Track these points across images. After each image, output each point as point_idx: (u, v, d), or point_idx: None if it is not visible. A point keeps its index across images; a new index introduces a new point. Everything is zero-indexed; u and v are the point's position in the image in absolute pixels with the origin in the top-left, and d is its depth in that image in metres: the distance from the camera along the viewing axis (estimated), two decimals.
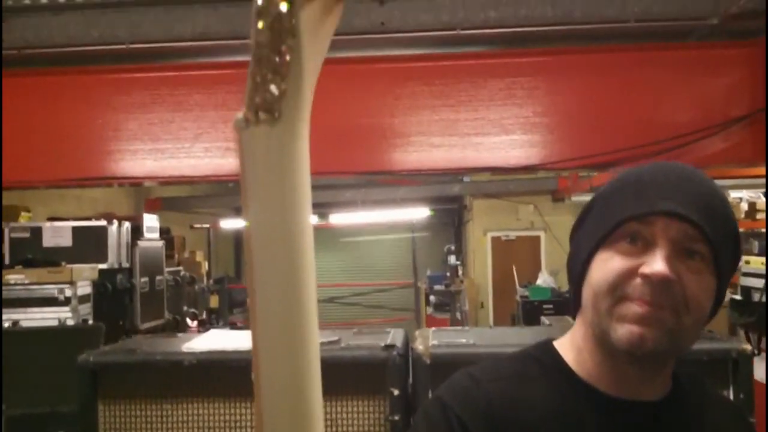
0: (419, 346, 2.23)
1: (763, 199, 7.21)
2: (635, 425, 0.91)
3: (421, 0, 3.99)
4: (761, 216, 6.81)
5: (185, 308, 7.06)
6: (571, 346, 0.97)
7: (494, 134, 4.15)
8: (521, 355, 1.00)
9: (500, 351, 2.15)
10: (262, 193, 0.49)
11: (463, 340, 2.31)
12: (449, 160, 4.19)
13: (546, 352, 0.99)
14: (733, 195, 7.47)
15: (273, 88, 0.48)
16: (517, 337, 2.51)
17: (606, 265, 0.88)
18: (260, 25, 0.47)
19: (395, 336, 2.45)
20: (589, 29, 4.14)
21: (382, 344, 2.29)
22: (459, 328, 3.35)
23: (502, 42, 4.34)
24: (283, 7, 0.47)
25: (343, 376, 2.26)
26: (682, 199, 0.85)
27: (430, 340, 2.30)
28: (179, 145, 4.22)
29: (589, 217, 0.95)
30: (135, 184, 5.18)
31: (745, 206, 7.02)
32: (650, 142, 3.95)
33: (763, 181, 6.62)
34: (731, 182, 7.06)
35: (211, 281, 9.03)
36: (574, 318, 1.00)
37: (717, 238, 0.85)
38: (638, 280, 0.85)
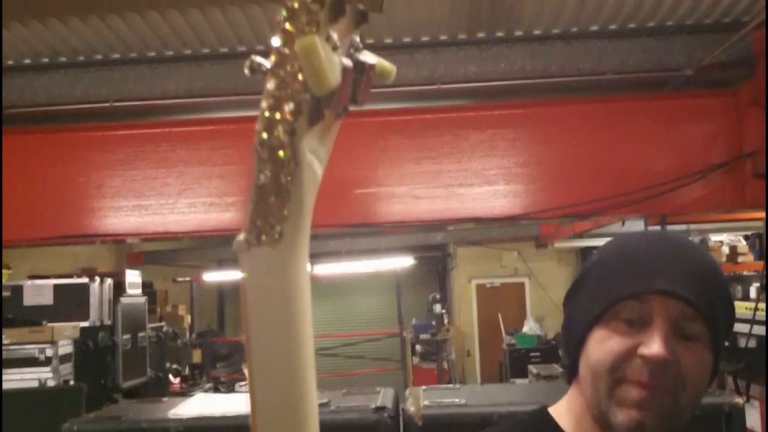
0: (410, 407, 2.20)
1: (744, 243, 7.29)
2: None
3: (402, 55, 4.05)
4: (742, 259, 6.87)
5: (168, 365, 6.94)
6: (568, 414, 0.96)
7: (477, 185, 4.17)
8: (518, 424, 1.00)
9: (492, 410, 2.14)
10: (265, 313, 0.49)
11: (455, 400, 2.27)
12: (434, 212, 4.20)
13: (542, 420, 0.98)
14: (714, 239, 7.54)
15: (275, 212, 0.48)
16: (508, 395, 2.48)
17: (603, 346, 0.87)
18: (263, 155, 0.47)
19: (385, 396, 2.41)
20: (567, 82, 4.22)
21: (373, 406, 2.25)
22: (449, 386, 3.31)
23: (482, 95, 4.41)
24: (285, 138, 0.47)
25: None
26: (678, 276, 0.85)
27: (421, 401, 2.27)
28: (163, 201, 4.19)
29: (584, 289, 0.94)
30: (118, 241, 5.13)
31: (726, 250, 7.08)
32: (631, 190, 3.99)
33: (742, 224, 6.71)
34: (711, 226, 7.14)
35: (194, 335, 8.91)
36: (568, 383, 0.99)
37: (713, 315, 0.85)
38: (637, 361, 0.84)
